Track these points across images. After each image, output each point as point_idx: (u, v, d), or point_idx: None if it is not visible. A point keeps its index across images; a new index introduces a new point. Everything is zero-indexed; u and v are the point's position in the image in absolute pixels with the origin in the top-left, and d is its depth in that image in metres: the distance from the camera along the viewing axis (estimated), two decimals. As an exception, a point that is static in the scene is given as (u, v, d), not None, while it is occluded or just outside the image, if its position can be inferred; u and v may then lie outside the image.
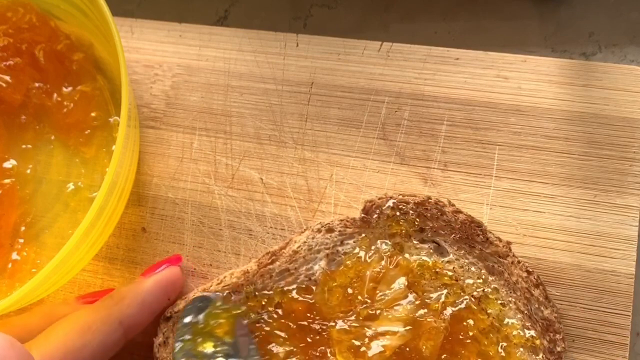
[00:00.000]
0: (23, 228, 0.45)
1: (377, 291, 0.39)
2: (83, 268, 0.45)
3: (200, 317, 0.40)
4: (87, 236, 0.39)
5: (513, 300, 0.39)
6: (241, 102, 0.47)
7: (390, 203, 0.41)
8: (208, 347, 0.40)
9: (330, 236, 0.41)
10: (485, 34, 0.49)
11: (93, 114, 0.46)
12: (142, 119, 0.48)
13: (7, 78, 0.46)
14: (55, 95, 0.46)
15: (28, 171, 0.46)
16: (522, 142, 0.43)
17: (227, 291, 0.41)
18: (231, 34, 0.48)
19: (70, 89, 0.46)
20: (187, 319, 0.40)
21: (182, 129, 0.47)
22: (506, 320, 0.39)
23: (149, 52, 0.49)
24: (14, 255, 0.44)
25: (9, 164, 0.46)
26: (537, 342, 0.38)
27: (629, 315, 0.40)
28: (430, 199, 0.41)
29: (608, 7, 0.48)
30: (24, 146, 0.47)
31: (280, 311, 0.40)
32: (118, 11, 0.52)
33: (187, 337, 0.40)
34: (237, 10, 0.53)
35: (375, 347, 0.38)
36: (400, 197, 0.41)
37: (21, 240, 0.45)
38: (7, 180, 0.45)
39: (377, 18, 0.51)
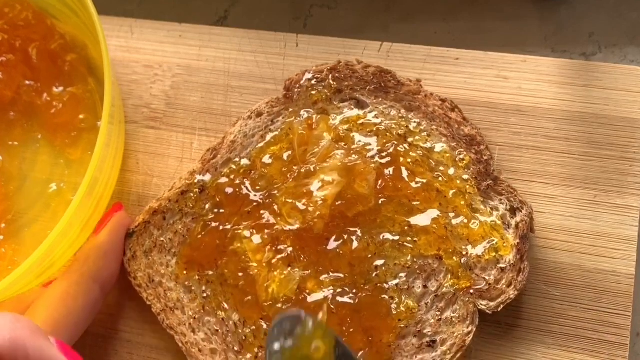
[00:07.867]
0: (3, 225, 0.45)
1: (308, 152, 0.42)
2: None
3: (290, 341, 0.34)
4: (65, 237, 0.38)
5: (435, 127, 0.42)
6: (241, 102, 0.47)
7: (307, 76, 0.44)
8: None
9: (261, 119, 0.44)
10: (485, 34, 0.49)
11: (81, 117, 0.46)
12: (142, 119, 0.48)
13: None
14: (45, 94, 0.46)
15: (14, 168, 0.46)
16: (522, 142, 0.43)
17: (179, 192, 0.43)
18: (231, 34, 0.48)
19: (60, 89, 0.46)
20: (276, 346, 0.34)
21: (182, 129, 0.47)
22: (433, 145, 0.42)
23: (149, 52, 0.49)
24: None
25: None
26: (464, 156, 0.41)
27: (629, 316, 0.40)
28: (341, 62, 0.44)
29: (608, 7, 0.48)
30: (10, 143, 0.47)
31: (230, 194, 0.42)
32: (118, 11, 0.52)
33: None
34: (237, 10, 0.53)
35: (317, 199, 0.40)
36: (315, 68, 0.44)
37: (0, 237, 0.45)
38: None
39: (377, 18, 0.51)
